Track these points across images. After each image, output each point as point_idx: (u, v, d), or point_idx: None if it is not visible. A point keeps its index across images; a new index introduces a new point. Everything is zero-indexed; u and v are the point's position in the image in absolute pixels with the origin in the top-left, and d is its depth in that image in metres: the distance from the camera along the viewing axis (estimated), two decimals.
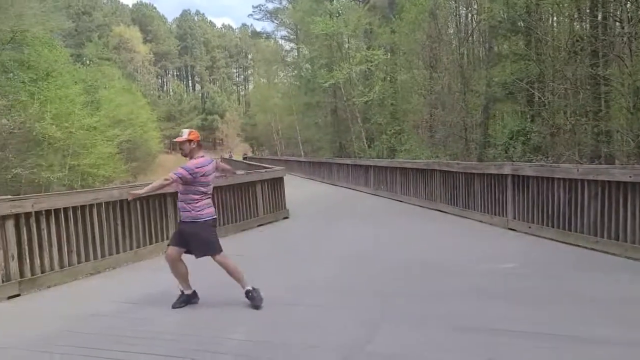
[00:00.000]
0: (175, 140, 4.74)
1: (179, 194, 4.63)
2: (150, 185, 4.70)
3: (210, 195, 4.70)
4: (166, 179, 4.49)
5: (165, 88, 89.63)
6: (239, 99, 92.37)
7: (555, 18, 17.32)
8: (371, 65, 26.56)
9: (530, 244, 6.85)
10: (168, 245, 4.72)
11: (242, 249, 7.60)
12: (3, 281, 5.18)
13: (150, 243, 6.99)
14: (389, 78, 27.40)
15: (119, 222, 6.52)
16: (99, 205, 6.24)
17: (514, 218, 7.78)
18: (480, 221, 8.64)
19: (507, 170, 7.94)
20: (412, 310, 4.27)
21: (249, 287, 4.54)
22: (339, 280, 5.46)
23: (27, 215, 5.44)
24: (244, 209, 9.17)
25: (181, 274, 4.59)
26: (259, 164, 23.83)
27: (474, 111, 18.30)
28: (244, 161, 35.38)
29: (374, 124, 27.17)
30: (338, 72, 26.75)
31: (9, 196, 5.66)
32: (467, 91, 18.51)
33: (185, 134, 4.63)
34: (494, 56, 19.59)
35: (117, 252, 6.48)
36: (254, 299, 4.48)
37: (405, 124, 24.64)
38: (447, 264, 5.88)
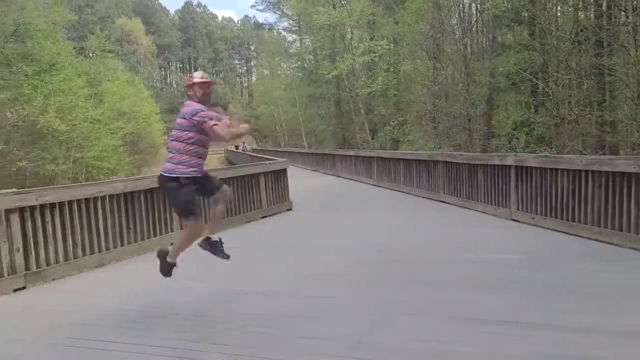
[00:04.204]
0: (205, 80, 4.38)
1: (201, 146, 4.25)
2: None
3: None
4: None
5: (168, 80, 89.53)
6: (242, 90, 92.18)
7: (559, 7, 17.20)
8: (374, 56, 26.49)
9: (533, 234, 6.84)
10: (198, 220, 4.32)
11: (246, 241, 7.64)
12: (9, 274, 5.21)
13: (155, 235, 7.02)
14: (392, 69, 27.35)
15: (122, 214, 6.55)
16: (103, 198, 6.26)
17: (517, 209, 7.77)
18: (484, 212, 8.63)
19: (510, 161, 7.92)
20: (414, 301, 4.28)
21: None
22: (341, 271, 5.47)
23: (32, 208, 5.47)
24: (247, 200, 9.18)
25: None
26: (262, 155, 23.83)
27: (478, 102, 18.24)
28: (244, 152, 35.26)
29: (377, 115, 27.14)
30: (341, 63, 26.68)
31: (14, 190, 5.69)
32: (470, 82, 18.45)
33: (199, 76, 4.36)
34: (497, 46, 19.52)
35: (122, 244, 6.50)
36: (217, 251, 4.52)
37: (408, 115, 24.61)
38: (450, 254, 5.89)
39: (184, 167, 4.12)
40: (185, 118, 4.15)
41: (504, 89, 18.58)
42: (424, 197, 11.12)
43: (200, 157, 4.22)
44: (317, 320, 3.91)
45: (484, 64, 19.36)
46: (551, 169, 6.95)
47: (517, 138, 15.50)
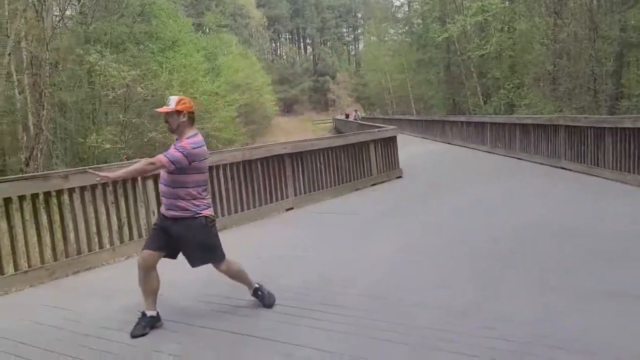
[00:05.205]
0: (158, 110, 3.58)
1: (163, 184, 3.51)
2: (125, 169, 3.54)
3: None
4: (151, 163, 3.38)
5: (278, 52, 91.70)
6: (349, 59, 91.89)
7: None
8: (487, 16, 25.02)
9: None
10: (143, 248, 3.57)
11: (356, 208, 7.80)
12: (146, 235, 5.80)
13: (271, 201, 7.40)
14: (506, 28, 25.69)
15: (242, 181, 6.97)
16: (224, 166, 6.70)
17: None
18: (612, 179, 8.01)
19: None
20: (536, 273, 4.11)
21: (256, 285, 3.80)
22: (456, 240, 5.39)
23: None
24: (357, 168, 9.31)
25: (152, 289, 3.51)
26: (371, 123, 23.83)
27: (605, 59, 16.65)
28: (353, 121, 35.34)
29: (491, 78, 25.80)
30: (452, 26, 25.58)
31: (147, 158, 6.28)
32: (596, 38, 16.84)
33: (172, 102, 3.46)
34: None
35: (242, 209, 6.94)
36: (263, 298, 3.77)
37: (525, 77, 23.13)
38: (576, 225, 5.55)
39: None
40: None
41: (637, 44, 16.77)
42: (542, 164, 10.54)
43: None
44: (425, 290, 3.93)
45: (613, 17, 17.54)
46: None
47: None
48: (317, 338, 3.16)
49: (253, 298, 3.80)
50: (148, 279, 3.47)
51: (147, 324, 3.43)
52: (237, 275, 3.74)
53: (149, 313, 3.47)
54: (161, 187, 3.55)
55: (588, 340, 2.85)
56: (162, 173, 3.50)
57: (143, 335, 3.37)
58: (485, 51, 24.39)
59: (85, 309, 3.97)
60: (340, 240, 5.80)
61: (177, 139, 3.50)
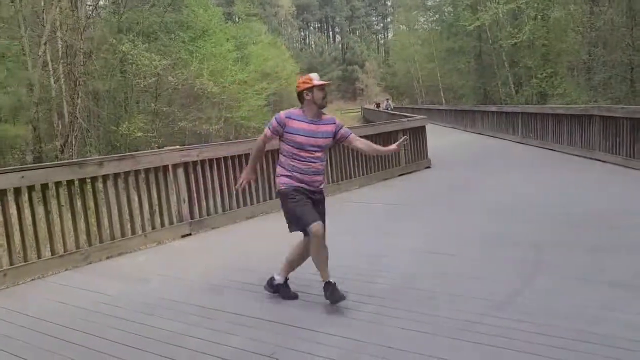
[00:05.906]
0: (325, 82, 3.59)
1: (318, 162, 3.61)
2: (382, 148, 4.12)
3: None
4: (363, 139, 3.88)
5: (307, 41, 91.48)
6: (378, 47, 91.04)
7: None
8: (521, 3, 24.47)
9: None
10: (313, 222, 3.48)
11: (384, 198, 7.79)
12: (177, 221, 5.93)
13: None
14: (540, 16, 25.07)
15: (271, 170, 7.01)
16: None
17: None
18: None
19: None
20: (568, 264, 4.04)
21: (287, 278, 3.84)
22: (486, 230, 5.33)
23: (194, 163, 6.12)
24: (386, 158, 9.26)
25: (327, 257, 3.61)
26: (399, 113, 23.65)
27: None
28: (384, 110, 35.06)
29: (523, 67, 25.28)
30: (484, 13, 25.11)
31: (178, 147, 6.39)
32: (634, 25, 16.31)
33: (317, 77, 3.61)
34: None
35: (270, 198, 7.00)
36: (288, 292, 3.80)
37: (558, 66, 22.60)
38: (609, 216, 5.44)
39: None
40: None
41: None
42: (575, 155, 10.32)
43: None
44: (454, 281, 3.90)
45: None
46: None
47: None
48: (344, 326, 3.19)
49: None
50: (325, 248, 3.56)
51: (335, 288, 3.46)
52: (300, 259, 3.77)
53: (332, 280, 3.51)
54: (316, 165, 3.59)
55: (632, 336, 2.76)
56: (321, 154, 3.62)
57: (344, 298, 3.41)
58: (518, 40, 23.89)
59: (118, 293, 4.08)
60: (367, 230, 5.80)
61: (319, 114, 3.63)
